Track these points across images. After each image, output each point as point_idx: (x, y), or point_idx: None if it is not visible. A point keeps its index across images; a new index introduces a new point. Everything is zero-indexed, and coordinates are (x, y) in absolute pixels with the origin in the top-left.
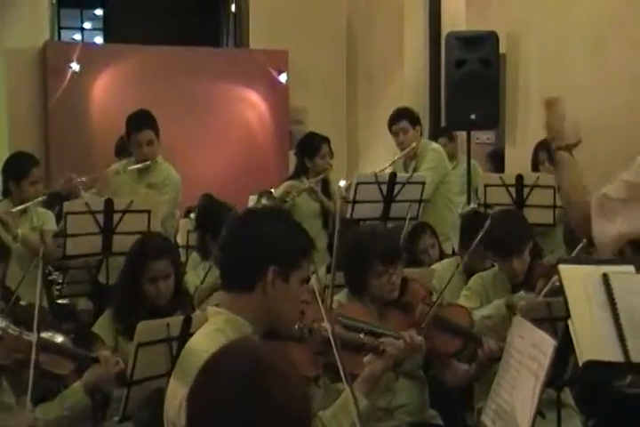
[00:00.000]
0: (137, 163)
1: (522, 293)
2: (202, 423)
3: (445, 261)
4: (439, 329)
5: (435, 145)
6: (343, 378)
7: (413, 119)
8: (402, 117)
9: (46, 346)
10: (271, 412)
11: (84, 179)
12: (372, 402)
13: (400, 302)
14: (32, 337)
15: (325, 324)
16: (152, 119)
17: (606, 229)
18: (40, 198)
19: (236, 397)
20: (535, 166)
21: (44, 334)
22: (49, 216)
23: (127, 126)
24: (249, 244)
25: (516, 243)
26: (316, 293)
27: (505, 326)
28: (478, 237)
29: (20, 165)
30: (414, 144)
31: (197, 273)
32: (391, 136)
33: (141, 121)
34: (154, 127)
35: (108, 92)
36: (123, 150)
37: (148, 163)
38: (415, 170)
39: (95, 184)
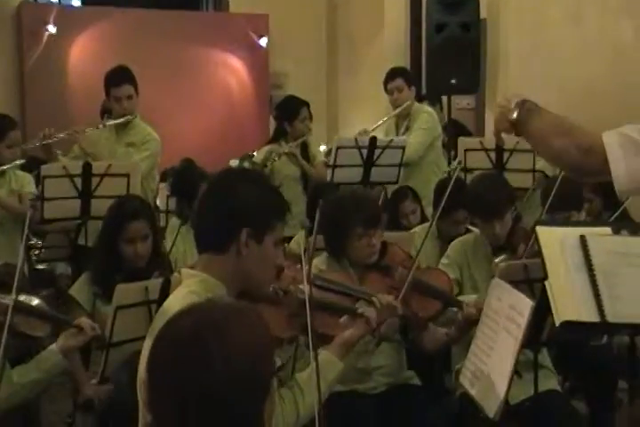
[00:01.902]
0: (116, 119)
1: (503, 256)
2: (151, 381)
3: (419, 226)
4: (418, 292)
5: (429, 108)
6: (310, 341)
7: (409, 79)
8: (397, 75)
9: (22, 308)
10: (211, 374)
11: (62, 135)
12: (350, 364)
13: (379, 265)
14: (8, 300)
15: (302, 286)
16: (130, 74)
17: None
18: (18, 162)
19: (177, 356)
20: None
21: (21, 297)
22: (28, 179)
23: (106, 82)
24: (222, 205)
25: (498, 206)
26: (302, 254)
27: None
28: (442, 203)
29: None
30: (409, 102)
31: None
32: (371, 100)
33: (120, 76)
34: (133, 82)
35: (85, 56)
36: (107, 112)
37: (128, 117)
38: (406, 131)
39: (76, 139)
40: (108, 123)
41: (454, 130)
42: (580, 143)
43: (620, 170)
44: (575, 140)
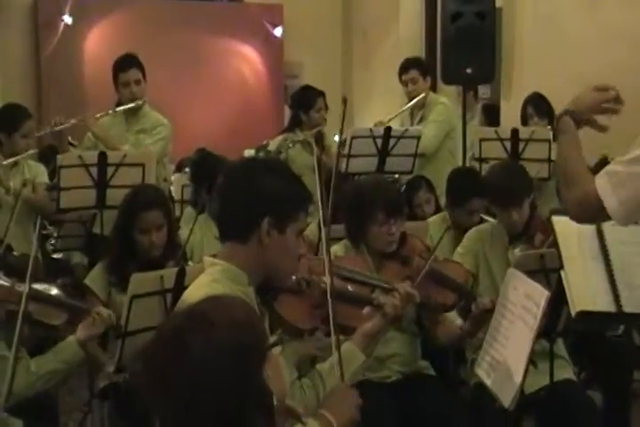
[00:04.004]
0: (125, 105)
1: (522, 246)
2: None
3: (434, 217)
4: (434, 283)
5: (444, 99)
6: (332, 332)
7: (423, 70)
8: (412, 67)
9: (38, 297)
10: (186, 368)
11: (73, 121)
12: (368, 356)
13: (397, 255)
14: (24, 288)
15: (324, 277)
16: (138, 60)
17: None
18: (31, 151)
19: (159, 348)
20: (524, 121)
21: (37, 286)
22: (41, 169)
23: (114, 69)
24: (245, 194)
25: (517, 194)
26: (324, 244)
27: None
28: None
29: (12, 117)
30: (423, 94)
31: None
32: (386, 90)
33: (127, 61)
34: (140, 67)
35: (100, 46)
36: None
37: (138, 102)
38: (421, 121)
39: (87, 127)
40: (117, 109)
41: (490, 118)
42: (576, 196)
43: (613, 204)
44: (572, 194)
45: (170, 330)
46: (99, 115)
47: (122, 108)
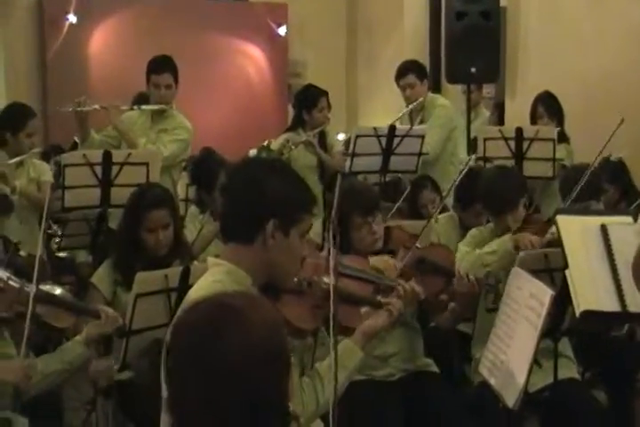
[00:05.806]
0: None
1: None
2: (170, 361)
3: (442, 215)
4: (421, 271)
5: (443, 100)
6: (331, 332)
7: (421, 73)
8: (408, 71)
9: (46, 298)
10: (220, 360)
11: (96, 106)
12: (367, 353)
13: (384, 252)
14: (31, 289)
15: (326, 278)
16: (174, 65)
17: None
18: (36, 150)
19: (188, 342)
20: (534, 120)
21: (44, 287)
22: (45, 168)
23: (148, 68)
24: (251, 196)
25: (510, 199)
26: (331, 244)
27: (510, 262)
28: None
29: (16, 116)
30: (421, 99)
31: (195, 226)
32: (390, 89)
33: (162, 64)
34: (174, 73)
35: (105, 44)
36: (138, 104)
37: (163, 106)
38: (421, 123)
39: (110, 113)
40: (142, 107)
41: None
42: None
43: None
44: None
45: (202, 319)
46: (124, 107)
47: (147, 107)
